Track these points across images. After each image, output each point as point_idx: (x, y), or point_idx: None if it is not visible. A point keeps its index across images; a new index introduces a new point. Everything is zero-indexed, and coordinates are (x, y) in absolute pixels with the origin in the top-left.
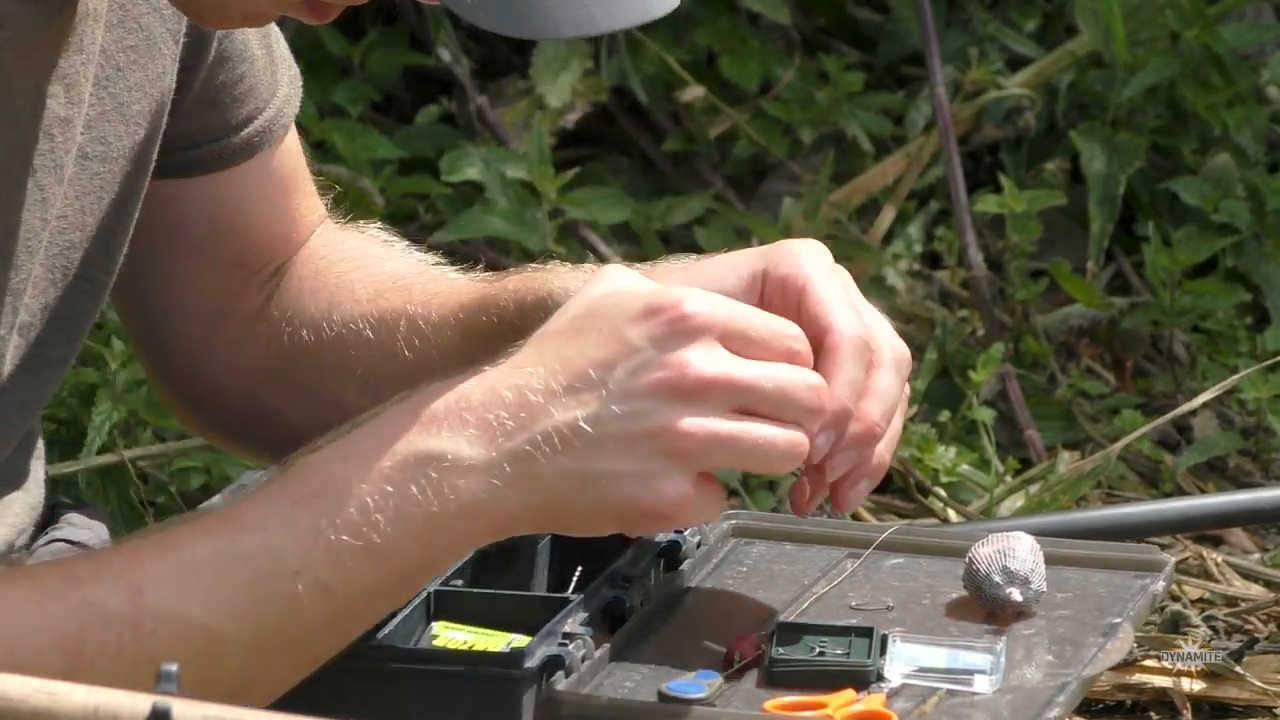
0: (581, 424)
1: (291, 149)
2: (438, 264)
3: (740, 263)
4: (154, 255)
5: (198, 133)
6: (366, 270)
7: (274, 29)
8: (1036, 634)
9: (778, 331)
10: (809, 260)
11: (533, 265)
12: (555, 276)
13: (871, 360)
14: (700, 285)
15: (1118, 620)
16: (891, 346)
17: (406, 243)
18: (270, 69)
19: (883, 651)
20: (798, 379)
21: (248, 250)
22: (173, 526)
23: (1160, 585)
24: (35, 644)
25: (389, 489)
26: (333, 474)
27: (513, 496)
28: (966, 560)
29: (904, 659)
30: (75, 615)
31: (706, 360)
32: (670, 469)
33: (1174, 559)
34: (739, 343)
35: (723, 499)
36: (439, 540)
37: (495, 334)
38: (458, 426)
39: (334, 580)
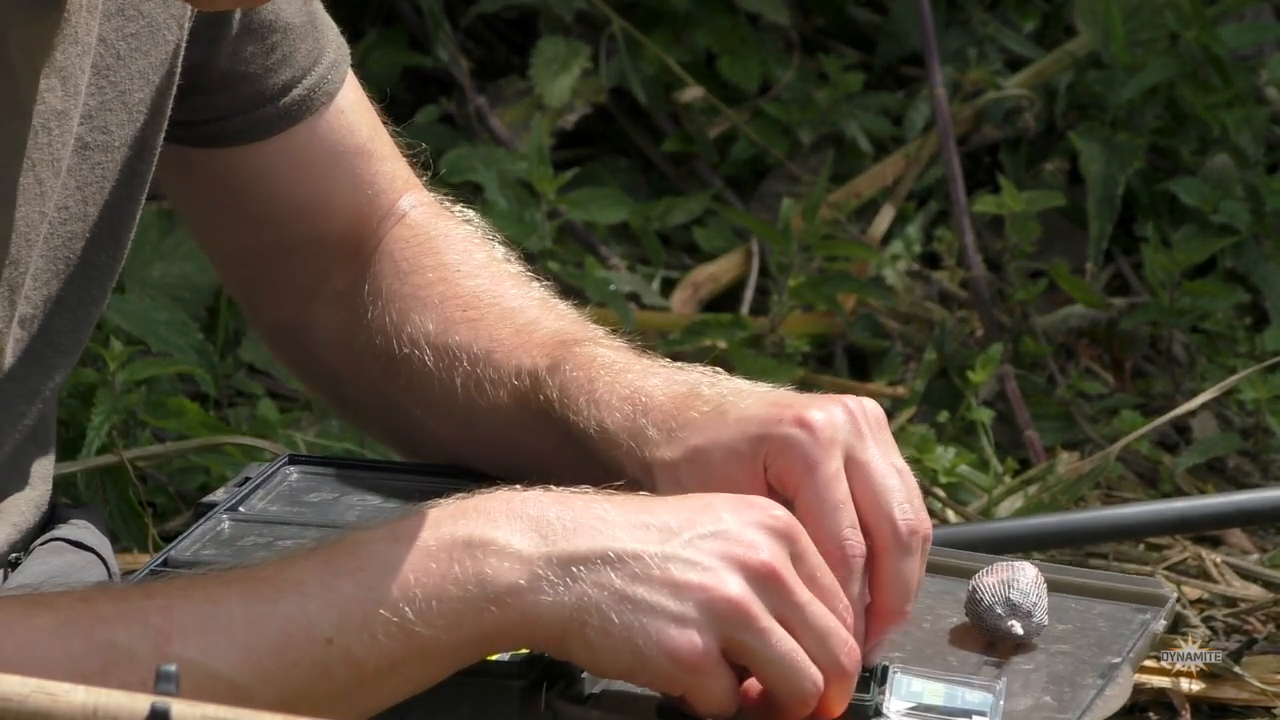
0: (642, 552)
1: (350, 115)
2: (518, 273)
3: (744, 451)
4: (237, 232)
5: (231, 104)
6: (441, 290)
7: None
8: (1035, 670)
9: (838, 593)
10: (804, 457)
11: (567, 337)
12: (597, 385)
13: (887, 545)
14: (708, 477)
15: (1117, 660)
16: (909, 527)
17: (491, 239)
18: (312, 36)
19: (882, 683)
20: (844, 633)
21: (319, 223)
22: (203, 579)
23: (1161, 624)
24: (55, 678)
25: (432, 566)
26: (380, 552)
27: (547, 592)
28: (969, 588)
29: (903, 693)
30: (99, 654)
31: (779, 557)
32: (707, 623)
33: (1174, 595)
34: (805, 572)
35: (736, 696)
36: (467, 624)
37: (545, 417)
38: (515, 520)
39: (364, 653)
